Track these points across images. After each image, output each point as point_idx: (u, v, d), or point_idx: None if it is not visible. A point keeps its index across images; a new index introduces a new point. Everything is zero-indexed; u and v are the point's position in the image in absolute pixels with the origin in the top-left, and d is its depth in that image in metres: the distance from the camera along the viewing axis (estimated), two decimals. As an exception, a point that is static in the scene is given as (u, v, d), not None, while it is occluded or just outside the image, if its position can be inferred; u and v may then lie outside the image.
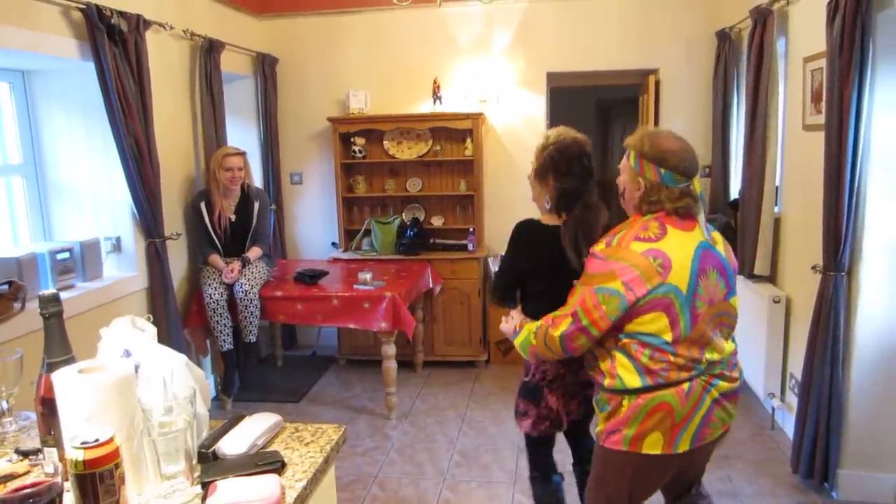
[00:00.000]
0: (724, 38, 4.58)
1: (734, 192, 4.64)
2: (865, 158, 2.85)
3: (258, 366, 5.08)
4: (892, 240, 2.91)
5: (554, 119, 5.45)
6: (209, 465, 1.34)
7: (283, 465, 1.38)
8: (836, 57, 2.80)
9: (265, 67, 5.09)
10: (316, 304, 4.12)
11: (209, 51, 4.30)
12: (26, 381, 1.47)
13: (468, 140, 5.06)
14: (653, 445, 1.91)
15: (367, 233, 5.27)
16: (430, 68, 5.13)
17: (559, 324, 1.96)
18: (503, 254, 2.47)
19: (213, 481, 1.25)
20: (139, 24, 3.50)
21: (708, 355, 1.90)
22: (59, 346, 1.27)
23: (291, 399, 4.49)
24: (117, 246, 3.71)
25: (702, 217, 1.97)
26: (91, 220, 3.66)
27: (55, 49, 3.12)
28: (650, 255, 1.82)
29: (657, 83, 5.05)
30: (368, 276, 4.18)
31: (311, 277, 4.31)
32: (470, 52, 5.13)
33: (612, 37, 4.99)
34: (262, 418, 1.54)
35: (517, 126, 5.19)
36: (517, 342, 2.20)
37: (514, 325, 2.25)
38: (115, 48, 3.33)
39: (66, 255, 3.33)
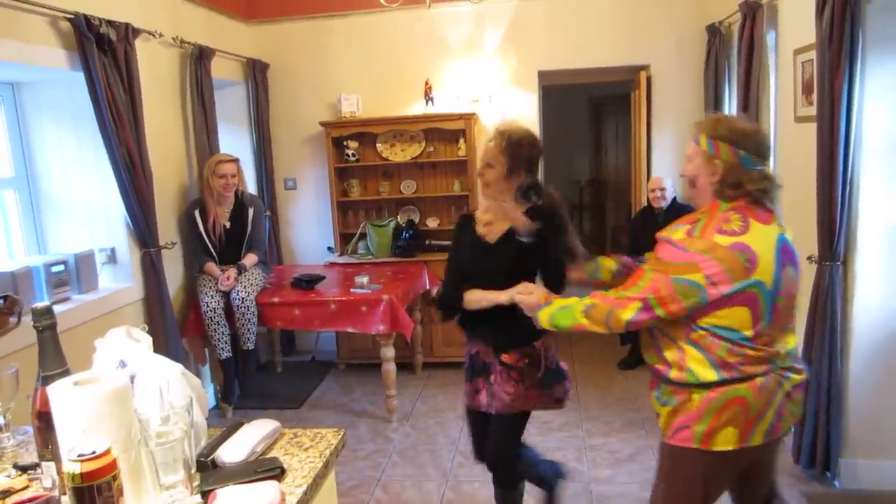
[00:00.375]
0: (715, 33, 4.58)
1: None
2: (858, 148, 2.86)
3: (258, 373, 5.06)
4: (887, 228, 2.92)
5: (547, 117, 5.47)
6: (208, 473, 1.34)
7: (283, 471, 1.37)
8: (826, 48, 2.80)
9: (256, 73, 5.09)
10: (313, 309, 4.12)
11: (199, 58, 4.29)
12: (23, 395, 1.47)
13: (461, 140, 5.06)
14: (726, 441, 1.84)
15: (363, 236, 5.26)
16: (422, 70, 5.13)
17: (626, 307, 1.86)
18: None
19: (212, 490, 1.25)
20: (128, 32, 3.49)
21: (780, 348, 1.85)
22: (53, 359, 1.27)
23: (292, 405, 4.48)
24: (112, 257, 3.70)
25: (778, 206, 1.92)
26: (85, 231, 3.65)
27: (44, 60, 3.10)
28: (736, 249, 1.74)
29: (649, 79, 5.06)
30: (365, 279, 4.18)
31: (308, 282, 4.30)
32: (461, 52, 5.13)
33: (603, 34, 4.99)
34: (260, 425, 1.53)
35: (510, 125, 5.18)
36: (545, 315, 2.08)
37: (538, 298, 2.14)
38: (105, 57, 3.32)
39: (61, 267, 3.32)
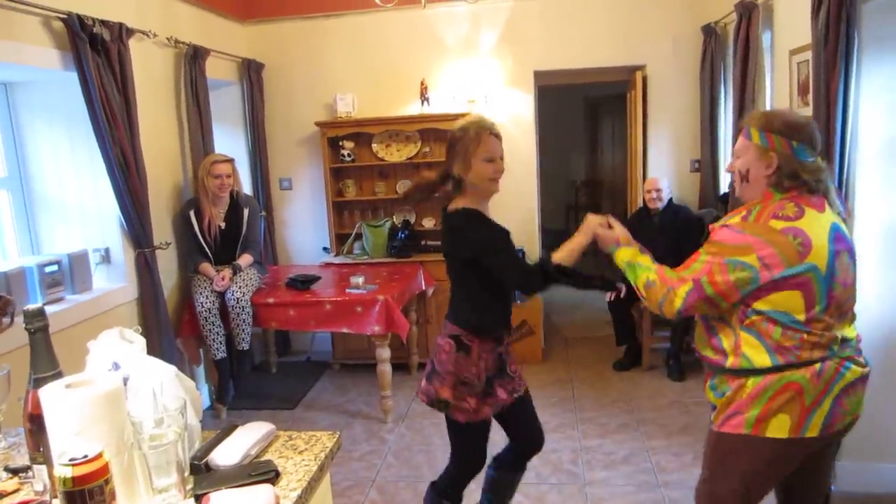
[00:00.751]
0: (710, 33, 4.59)
1: (724, 186, 4.66)
2: (853, 149, 2.85)
3: (252, 373, 5.05)
4: (883, 229, 2.92)
5: (542, 118, 5.47)
6: (202, 476, 1.32)
7: (278, 474, 1.36)
8: (822, 49, 2.80)
9: (251, 73, 5.07)
10: (309, 310, 4.10)
11: (194, 58, 4.28)
12: (14, 397, 1.45)
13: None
14: (779, 428, 1.80)
15: (359, 236, 5.25)
16: (418, 70, 5.13)
17: (678, 291, 1.86)
18: (486, 242, 2.28)
19: (206, 493, 1.24)
20: (122, 32, 3.47)
21: (839, 334, 1.84)
22: (45, 361, 1.25)
23: (287, 406, 4.47)
24: (106, 257, 3.68)
25: (832, 195, 1.91)
26: (79, 231, 3.63)
27: (37, 60, 3.09)
28: (790, 233, 1.75)
29: (644, 79, 5.06)
30: (361, 279, 4.16)
31: (303, 283, 4.29)
32: (457, 52, 5.13)
33: (599, 34, 4.99)
34: (254, 427, 1.52)
35: (506, 125, 5.17)
36: (625, 255, 2.10)
37: (617, 235, 2.14)
38: (98, 57, 3.30)
39: (55, 267, 3.30)
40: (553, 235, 8.72)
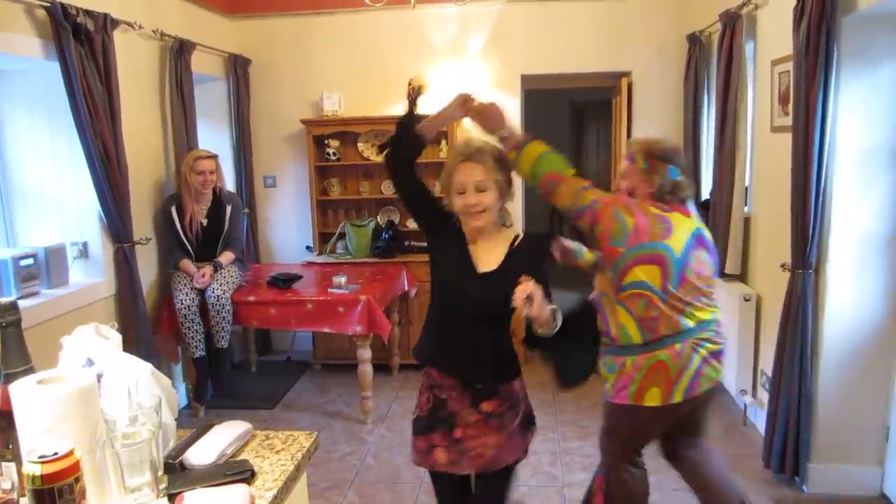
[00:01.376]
0: (695, 42, 4.63)
1: (705, 192, 4.69)
2: (831, 159, 2.90)
3: (232, 372, 5.01)
4: (859, 237, 2.97)
5: (528, 121, 5.47)
6: (176, 475, 1.31)
7: (253, 474, 1.35)
8: (803, 60, 2.84)
9: (237, 69, 5.04)
10: (290, 309, 4.08)
11: (179, 51, 4.24)
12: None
13: (443, 142, 5.05)
14: (652, 398, 2.27)
15: (342, 236, 5.23)
16: (405, 70, 5.11)
17: (587, 195, 2.28)
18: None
19: (180, 492, 1.23)
20: (106, 23, 3.43)
21: (690, 321, 2.26)
22: (17, 356, 1.23)
23: (266, 405, 4.44)
24: (84, 251, 3.63)
25: (692, 206, 2.40)
26: (56, 225, 3.58)
27: (18, 48, 3.04)
28: (659, 219, 2.24)
29: (630, 85, 5.09)
30: (343, 279, 4.15)
31: (285, 282, 4.26)
32: (444, 53, 5.13)
33: (586, 39, 5.02)
34: (231, 426, 1.51)
35: (491, 128, 5.18)
36: (535, 148, 2.34)
37: (509, 122, 2.32)
38: (81, 48, 3.26)
39: (31, 261, 3.25)
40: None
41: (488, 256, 2.06)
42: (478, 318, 2.04)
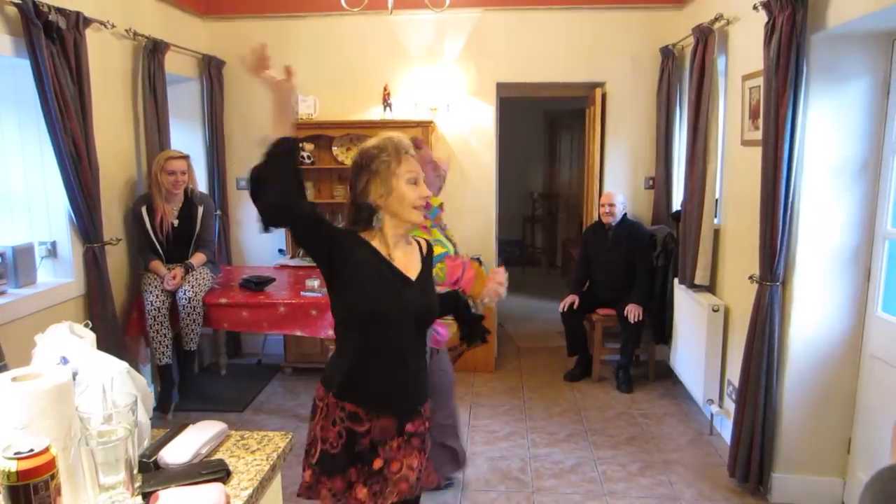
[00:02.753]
0: (668, 55, 4.72)
1: (676, 203, 4.78)
2: (800, 173, 2.97)
3: (201, 374, 4.96)
4: (825, 251, 3.04)
5: (502, 129, 5.52)
6: (151, 474, 1.30)
7: (229, 473, 1.35)
8: (773, 75, 2.91)
9: (211, 70, 5.00)
10: (262, 312, 4.05)
11: (153, 51, 4.20)
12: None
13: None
14: None
15: (315, 240, 5.19)
16: (381, 75, 5.13)
17: None
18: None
19: (154, 491, 1.22)
20: (79, 21, 3.38)
21: None
22: (-10, 352, 1.22)
23: (235, 408, 4.39)
24: (53, 251, 3.57)
25: None
26: (24, 223, 3.52)
27: (-12, 45, 2.99)
28: None
29: (604, 96, 5.16)
30: (316, 282, 4.13)
31: (258, 284, 4.23)
32: (421, 59, 5.15)
33: (561, 50, 5.08)
34: (206, 426, 1.50)
35: (467, 135, 5.22)
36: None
37: None
38: (53, 46, 3.21)
39: (-2, 259, 3.20)
40: (510, 246, 8.86)
41: (408, 262, 1.94)
42: (416, 330, 1.93)
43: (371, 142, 1.91)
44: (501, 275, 2.24)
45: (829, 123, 2.95)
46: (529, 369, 5.17)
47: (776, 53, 2.88)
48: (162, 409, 4.14)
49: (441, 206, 2.94)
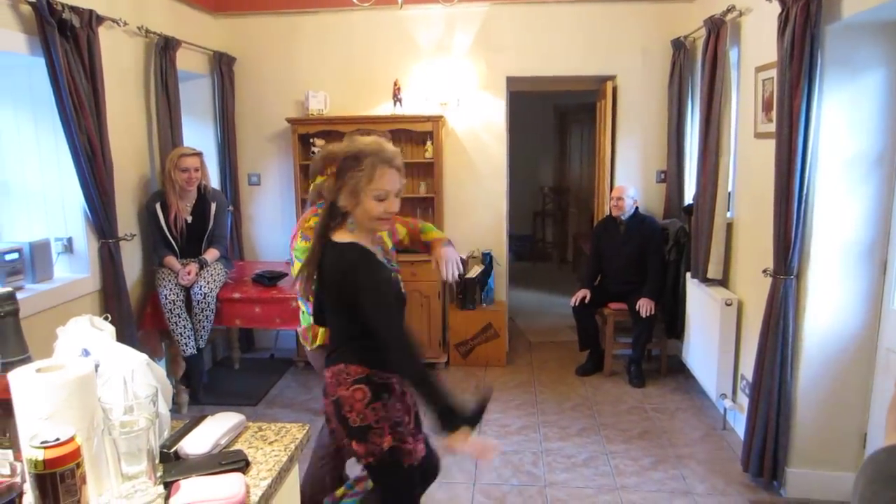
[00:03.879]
0: (679, 47, 4.69)
1: (688, 197, 4.76)
2: (814, 166, 2.95)
3: (214, 369, 5.01)
4: (840, 244, 3.02)
5: (512, 124, 5.51)
6: (172, 464, 1.32)
7: (248, 463, 1.36)
8: (787, 67, 2.89)
9: (222, 66, 5.02)
10: (275, 307, 4.08)
11: (164, 49, 4.22)
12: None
13: (428, 143, 5.07)
14: None
15: (327, 235, 5.21)
16: (391, 70, 5.13)
17: None
18: (373, 293, 2.01)
19: (176, 480, 1.23)
20: (91, 19, 3.41)
21: None
22: (14, 345, 1.24)
23: (249, 402, 4.43)
24: (69, 247, 3.60)
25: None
26: (41, 220, 3.55)
27: (2, 44, 3.01)
28: None
29: (615, 89, 5.14)
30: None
31: (271, 279, 4.26)
32: (431, 54, 5.15)
33: (571, 43, 5.06)
34: (224, 418, 1.52)
35: (477, 129, 5.22)
36: None
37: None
38: (67, 44, 3.24)
39: (15, 255, 3.23)
40: (520, 241, 8.86)
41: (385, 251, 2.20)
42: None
43: (355, 145, 2.00)
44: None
45: (843, 115, 2.92)
46: (541, 364, 5.17)
47: (790, 44, 2.85)
48: (194, 399, 4.20)
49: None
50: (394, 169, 1.99)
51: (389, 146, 2.04)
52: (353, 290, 1.97)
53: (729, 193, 3.94)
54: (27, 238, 3.41)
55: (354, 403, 2.02)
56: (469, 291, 5.05)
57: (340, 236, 2.04)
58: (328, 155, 2.72)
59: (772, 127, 3.21)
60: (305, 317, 2.84)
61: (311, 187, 2.91)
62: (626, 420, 4.12)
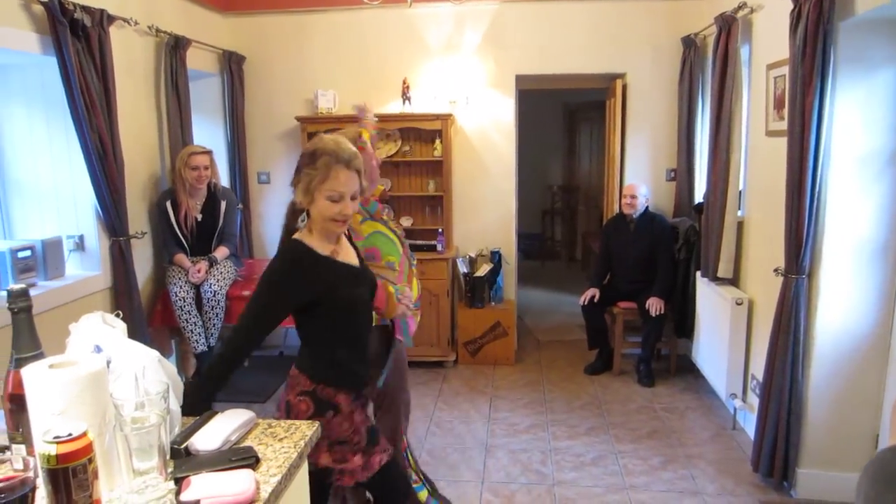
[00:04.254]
0: (690, 45, 4.67)
1: (699, 195, 4.74)
2: (826, 164, 2.93)
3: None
4: (853, 243, 2.99)
5: (521, 122, 5.50)
6: (182, 460, 1.33)
7: (258, 460, 1.36)
8: (799, 64, 2.87)
9: (232, 65, 5.03)
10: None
11: (175, 47, 4.24)
12: (-9, 377, 1.43)
13: (437, 141, 5.07)
14: None
15: (336, 233, 5.22)
16: (400, 68, 5.14)
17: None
18: (260, 282, 1.96)
19: (186, 476, 1.24)
20: (103, 18, 3.43)
21: None
22: (28, 341, 1.24)
23: (258, 399, 4.44)
24: (80, 244, 3.62)
25: None
26: (53, 217, 3.57)
27: (15, 43, 3.03)
28: None
29: (624, 87, 5.13)
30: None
31: (279, 277, 4.26)
32: (440, 52, 5.14)
33: (581, 41, 5.05)
34: (234, 414, 1.52)
35: (486, 127, 5.22)
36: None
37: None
38: (78, 43, 3.25)
39: (28, 253, 3.25)
40: (529, 240, 8.84)
41: (347, 253, 2.09)
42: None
43: (313, 143, 1.96)
44: (407, 297, 2.52)
45: (856, 113, 2.90)
46: (549, 363, 5.16)
47: (802, 41, 2.83)
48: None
49: (383, 192, 3.03)
50: (351, 171, 1.92)
51: (348, 147, 1.95)
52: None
53: (740, 192, 3.92)
54: (39, 236, 3.43)
55: (299, 414, 1.99)
56: (478, 290, 5.05)
57: (299, 234, 2.00)
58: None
59: (783, 124, 3.18)
60: None
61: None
62: (635, 419, 4.11)
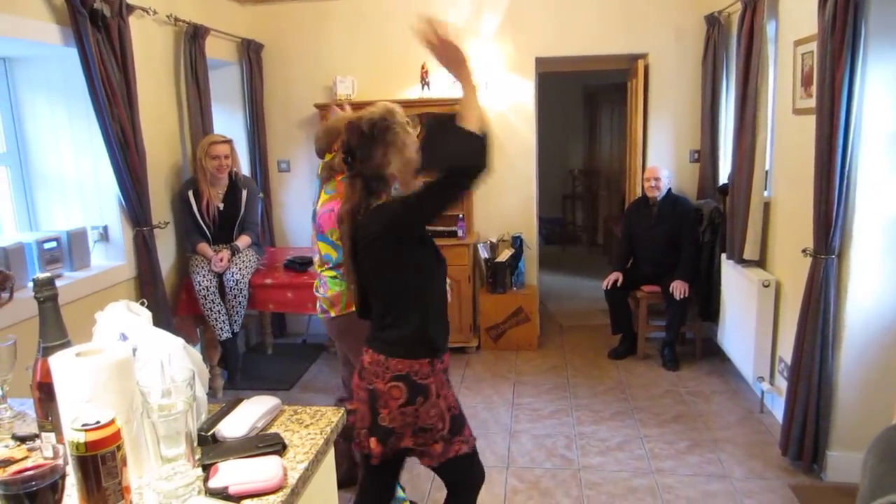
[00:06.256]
0: (714, 23, 4.58)
1: (723, 176, 4.66)
2: (857, 141, 2.85)
3: (247, 354, 5.06)
4: (883, 222, 2.92)
5: (541, 105, 5.44)
6: (210, 447, 1.33)
7: (285, 446, 1.36)
8: (829, 38, 2.79)
9: (250, 54, 5.03)
10: (306, 292, 4.09)
11: (194, 37, 4.24)
12: (20, 367, 1.45)
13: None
14: (350, 305, 2.43)
15: (357, 220, 5.22)
16: (419, 54, 5.08)
17: None
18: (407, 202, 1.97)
19: (214, 463, 1.24)
20: (122, 8, 3.43)
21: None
22: (54, 330, 1.25)
23: (282, 387, 4.47)
24: (105, 235, 3.66)
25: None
26: (77, 208, 3.61)
27: (36, 34, 3.05)
28: None
29: (646, 68, 5.05)
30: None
31: (302, 265, 4.28)
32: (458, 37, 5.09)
33: (602, 21, 4.97)
34: (260, 401, 1.52)
35: (506, 112, 5.17)
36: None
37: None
38: (99, 33, 3.27)
39: (54, 244, 3.28)
40: (550, 224, 8.79)
41: None
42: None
43: (374, 112, 1.99)
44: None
45: (889, 88, 2.81)
46: (573, 347, 5.14)
47: (832, 15, 2.76)
48: (231, 381, 4.34)
49: None
50: (413, 132, 2.03)
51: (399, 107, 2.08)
52: (393, 223, 1.93)
53: (766, 172, 3.85)
54: (65, 227, 3.46)
55: (390, 401, 1.97)
56: (499, 275, 5.03)
57: (377, 199, 2.01)
58: (331, 129, 2.82)
59: (811, 102, 3.11)
60: (337, 282, 2.82)
61: (321, 166, 2.92)
62: (660, 403, 4.08)
